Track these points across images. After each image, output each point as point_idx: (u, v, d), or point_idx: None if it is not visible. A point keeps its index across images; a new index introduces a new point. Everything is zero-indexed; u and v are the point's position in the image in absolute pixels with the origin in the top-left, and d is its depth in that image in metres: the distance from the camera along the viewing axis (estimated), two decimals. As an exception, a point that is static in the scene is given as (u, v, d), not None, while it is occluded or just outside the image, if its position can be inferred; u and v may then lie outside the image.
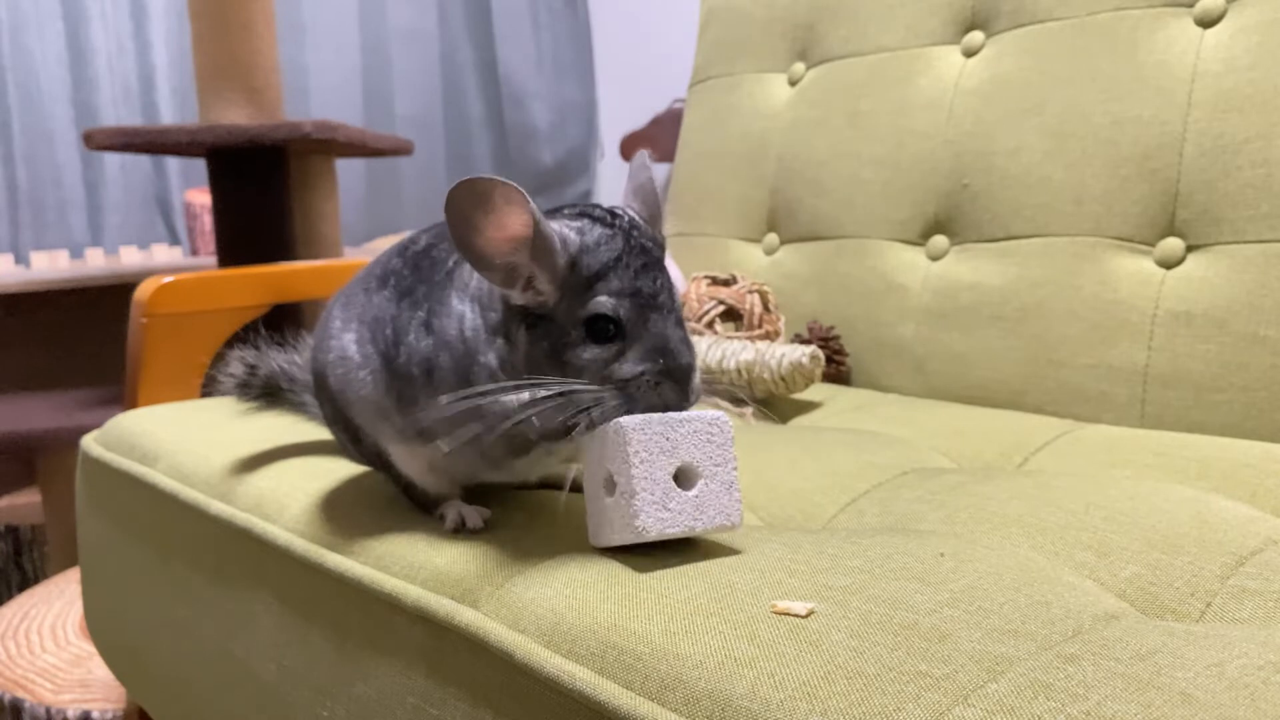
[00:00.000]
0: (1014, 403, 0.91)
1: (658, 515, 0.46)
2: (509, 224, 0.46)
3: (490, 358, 0.49)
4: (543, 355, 0.48)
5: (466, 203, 0.45)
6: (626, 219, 0.50)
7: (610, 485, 0.48)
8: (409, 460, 0.57)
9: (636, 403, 0.47)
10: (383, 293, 0.56)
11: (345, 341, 0.57)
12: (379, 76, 2.57)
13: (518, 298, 0.48)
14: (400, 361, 0.53)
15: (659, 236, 0.51)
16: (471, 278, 0.51)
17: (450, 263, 0.54)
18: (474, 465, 0.54)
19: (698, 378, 0.48)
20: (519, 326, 0.49)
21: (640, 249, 0.49)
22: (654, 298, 0.48)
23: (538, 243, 0.46)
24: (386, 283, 0.56)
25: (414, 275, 0.55)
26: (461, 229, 0.46)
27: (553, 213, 0.51)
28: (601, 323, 0.47)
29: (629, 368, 0.47)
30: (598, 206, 0.51)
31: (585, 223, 0.49)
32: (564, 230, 0.48)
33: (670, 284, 0.49)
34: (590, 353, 0.47)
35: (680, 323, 0.48)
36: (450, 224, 0.46)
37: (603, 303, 0.47)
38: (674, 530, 0.47)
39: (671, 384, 0.47)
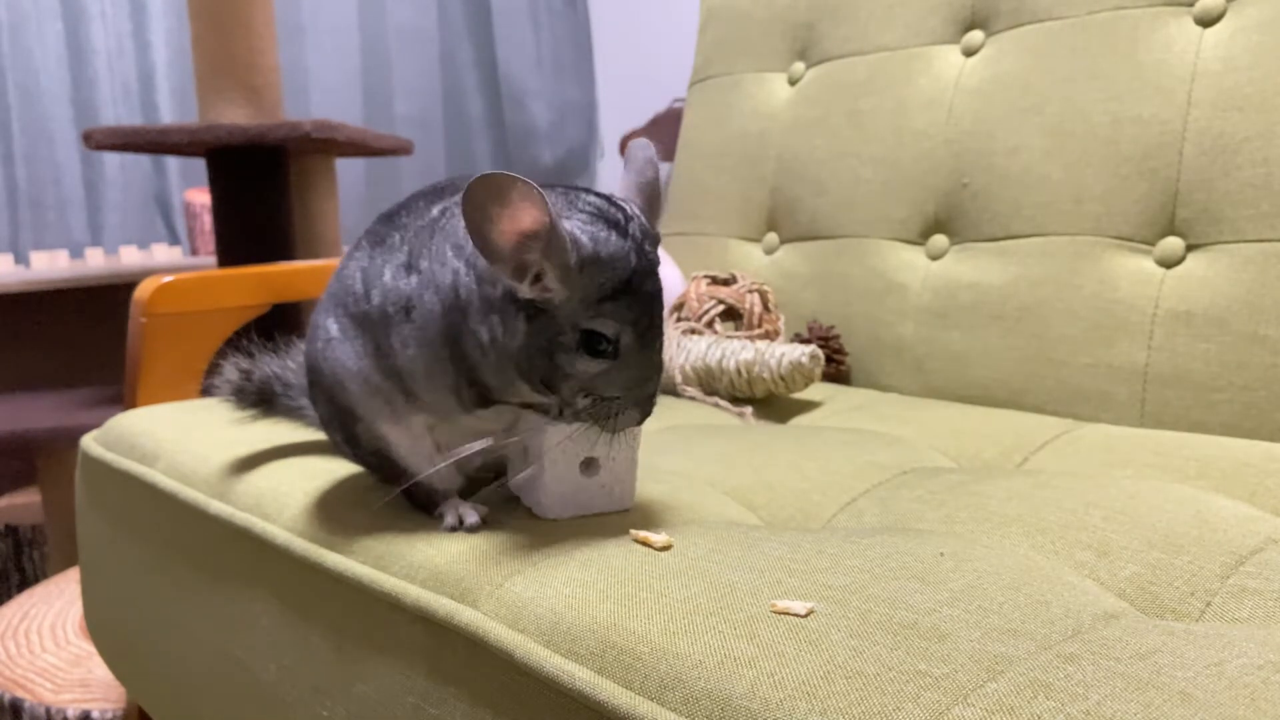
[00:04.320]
0: (1014, 402, 0.91)
1: (560, 503, 0.55)
2: (523, 218, 0.47)
3: (483, 332, 0.51)
4: (537, 349, 0.50)
5: (484, 195, 0.46)
6: (638, 227, 0.51)
7: (526, 452, 0.56)
8: (408, 441, 0.57)
9: (605, 420, 0.51)
10: (356, 255, 0.58)
11: (327, 324, 0.58)
12: (379, 76, 2.57)
13: (525, 291, 0.49)
14: (374, 304, 0.55)
15: (658, 236, 0.53)
16: (468, 241, 0.51)
17: (435, 211, 0.55)
18: (452, 412, 0.55)
19: (656, 396, 0.53)
20: (519, 314, 0.50)
21: (648, 271, 0.51)
22: (650, 329, 0.51)
23: (551, 241, 0.48)
24: (360, 246, 0.58)
25: (388, 226, 0.57)
26: (477, 219, 0.47)
27: (565, 192, 0.52)
28: (600, 340, 0.50)
29: (610, 388, 0.51)
30: (608, 200, 0.51)
31: (600, 227, 0.50)
32: (577, 233, 0.49)
33: (662, 305, 0.52)
34: (582, 364, 0.50)
35: (661, 345, 0.52)
36: (466, 215, 0.47)
37: (608, 324, 0.49)
38: (571, 514, 0.56)
39: (635, 410, 0.52)
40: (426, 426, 0.57)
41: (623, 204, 0.52)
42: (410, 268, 0.54)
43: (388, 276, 0.54)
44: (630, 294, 0.49)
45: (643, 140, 0.55)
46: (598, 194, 0.52)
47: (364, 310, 0.55)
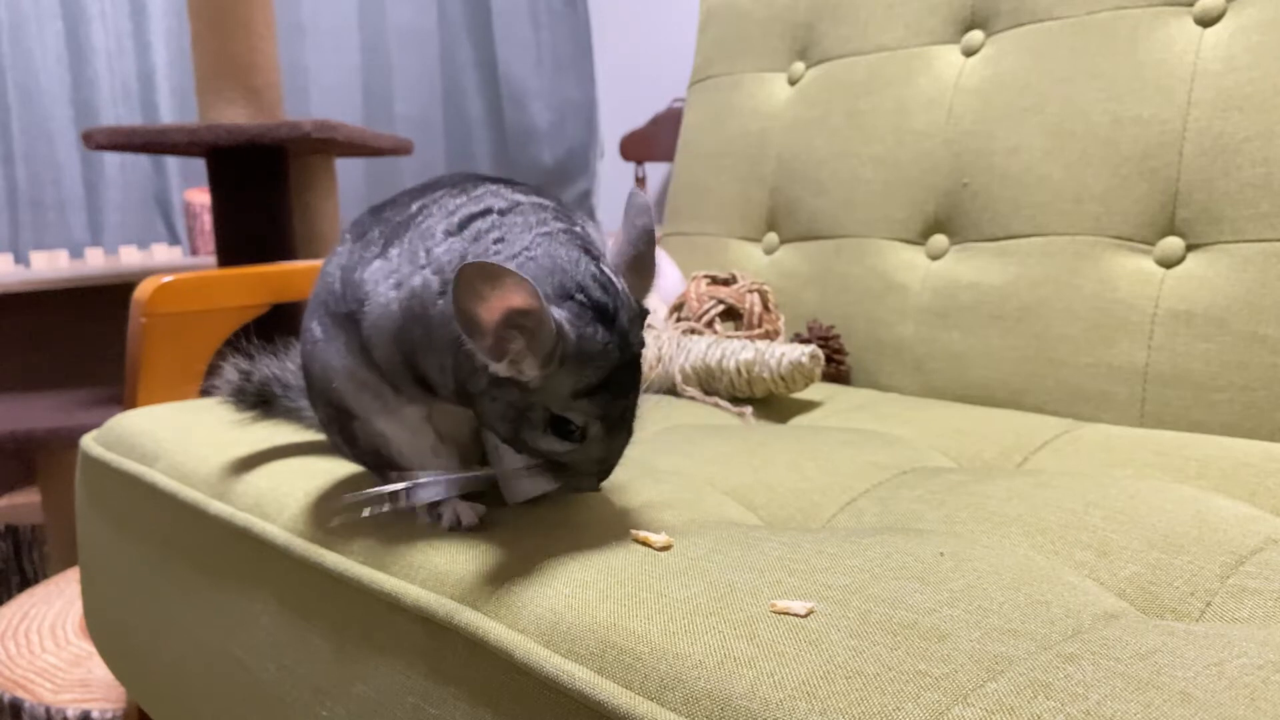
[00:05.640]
0: (1014, 402, 0.91)
1: (525, 485, 0.54)
2: (514, 301, 0.45)
3: (447, 358, 0.50)
4: (499, 413, 0.50)
5: (477, 275, 0.45)
6: (626, 316, 0.49)
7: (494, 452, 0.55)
8: (406, 435, 0.57)
9: (563, 481, 0.52)
10: (338, 251, 0.58)
11: (312, 326, 0.58)
12: (379, 76, 2.57)
13: (501, 369, 0.48)
14: (347, 301, 0.55)
15: (645, 313, 0.52)
16: (446, 252, 0.51)
17: (414, 207, 0.55)
18: (429, 398, 0.55)
19: (616, 464, 0.53)
20: (484, 374, 0.49)
21: (629, 364, 0.50)
22: (620, 418, 0.51)
23: (538, 332, 0.46)
24: (343, 240, 0.58)
25: (373, 220, 0.57)
26: (466, 297, 0.45)
27: (565, 269, 0.49)
28: (570, 426, 0.49)
29: (571, 464, 0.51)
30: (604, 284, 0.49)
31: (589, 321, 0.48)
32: (565, 326, 0.47)
33: (637, 390, 0.52)
34: (546, 442, 0.50)
35: (629, 428, 0.52)
36: (455, 292, 0.45)
37: (578, 416, 0.49)
38: (543, 491, 0.54)
39: (592, 479, 0.53)
40: (423, 417, 0.57)
41: (617, 286, 0.50)
42: (381, 258, 0.54)
43: (358, 273, 0.54)
44: (605, 389, 0.49)
45: (644, 201, 0.52)
46: (597, 272, 0.49)
47: (342, 310, 0.55)
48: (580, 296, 0.48)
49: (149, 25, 2.24)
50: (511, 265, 0.47)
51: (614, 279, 0.50)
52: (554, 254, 0.50)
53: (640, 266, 0.52)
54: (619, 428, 0.51)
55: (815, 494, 0.65)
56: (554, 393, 0.48)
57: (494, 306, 0.45)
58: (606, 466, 0.52)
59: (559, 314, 0.47)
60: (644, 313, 0.52)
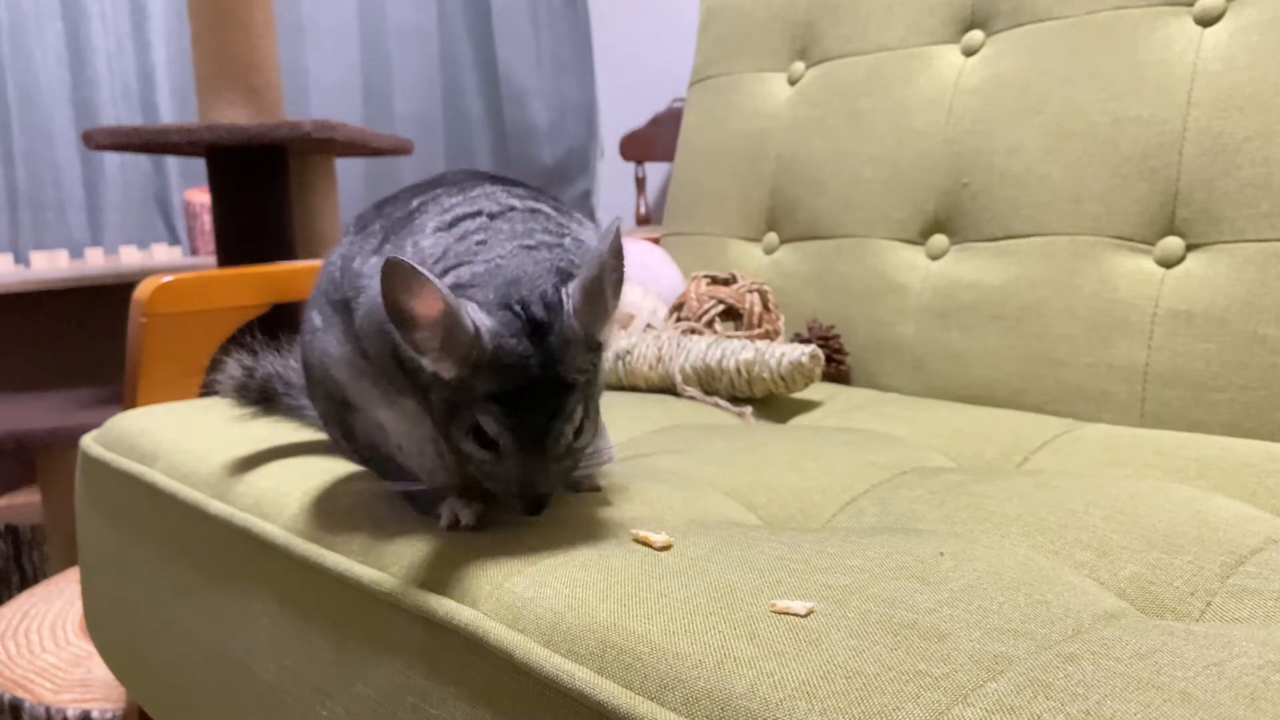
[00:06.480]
0: (1013, 402, 0.91)
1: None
2: (431, 306, 0.46)
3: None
4: (437, 411, 0.50)
5: (401, 272, 0.45)
6: (555, 341, 0.48)
7: None
8: (405, 426, 0.57)
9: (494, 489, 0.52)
10: (341, 243, 0.59)
11: (312, 316, 0.59)
12: (379, 76, 2.57)
13: (427, 364, 0.48)
14: (344, 290, 0.55)
15: (595, 342, 0.50)
16: (432, 247, 0.52)
17: (414, 203, 0.56)
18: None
19: (550, 495, 0.51)
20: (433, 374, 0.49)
21: (549, 387, 0.49)
22: (539, 439, 0.49)
23: (453, 331, 0.47)
24: (346, 233, 0.59)
25: (375, 214, 0.58)
26: (394, 290, 0.46)
27: (515, 280, 0.49)
28: (484, 433, 0.49)
29: (494, 478, 0.50)
30: (548, 299, 0.49)
31: (513, 333, 0.48)
32: (485, 333, 0.47)
33: (565, 417, 0.49)
34: (468, 445, 0.50)
35: (555, 456, 0.50)
36: (383, 285, 0.46)
37: (490, 424, 0.49)
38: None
39: (520, 502, 0.51)
40: (421, 409, 0.57)
41: (562, 308, 0.49)
42: (377, 253, 0.54)
43: (357, 263, 0.55)
44: (515, 403, 0.48)
45: (613, 228, 0.49)
46: (549, 291, 0.49)
47: (339, 298, 0.56)
48: (518, 308, 0.48)
49: (149, 25, 2.24)
50: (480, 269, 0.49)
51: (564, 302, 0.49)
52: (522, 266, 0.50)
53: (592, 294, 0.49)
54: (534, 449, 0.49)
55: (815, 494, 0.65)
56: (471, 392, 0.48)
57: (417, 305, 0.46)
58: (533, 491, 0.50)
59: (482, 320, 0.47)
60: (589, 342, 0.50)
